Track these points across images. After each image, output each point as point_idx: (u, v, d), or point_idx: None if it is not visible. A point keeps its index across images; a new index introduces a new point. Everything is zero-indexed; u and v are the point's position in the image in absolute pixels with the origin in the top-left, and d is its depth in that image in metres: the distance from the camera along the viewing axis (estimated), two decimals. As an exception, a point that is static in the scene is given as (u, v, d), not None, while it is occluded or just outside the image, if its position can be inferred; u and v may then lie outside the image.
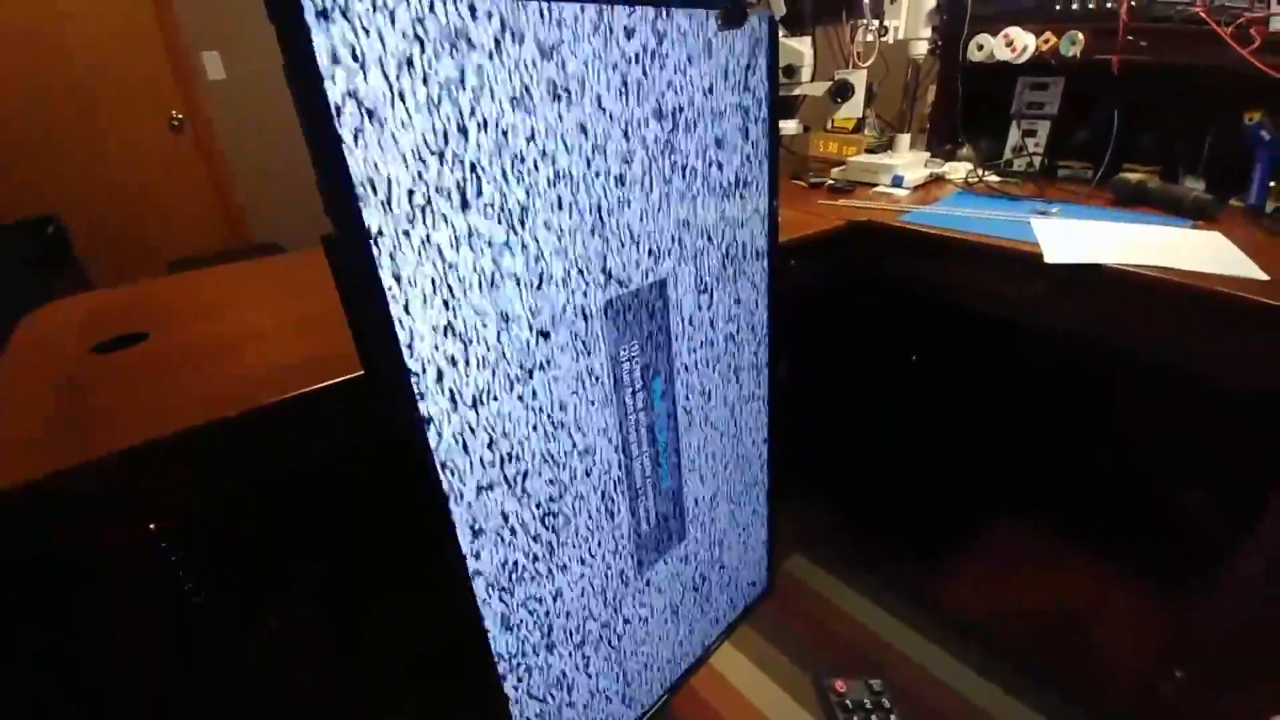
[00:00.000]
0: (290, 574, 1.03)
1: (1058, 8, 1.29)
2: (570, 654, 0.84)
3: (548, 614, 0.78)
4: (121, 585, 0.70)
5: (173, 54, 2.51)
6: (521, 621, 0.75)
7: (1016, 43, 1.31)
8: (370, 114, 0.48)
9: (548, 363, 0.67)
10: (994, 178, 1.39)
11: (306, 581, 1.05)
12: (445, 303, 0.56)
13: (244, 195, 2.81)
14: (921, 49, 1.42)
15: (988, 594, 1.33)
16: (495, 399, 0.63)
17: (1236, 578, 0.93)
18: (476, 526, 0.65)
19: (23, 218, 2.28)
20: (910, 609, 1.29)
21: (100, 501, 0.57)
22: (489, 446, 0.64)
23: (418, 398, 0.57)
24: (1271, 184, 1.10)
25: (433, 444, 0.59)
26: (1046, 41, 1.30)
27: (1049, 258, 0.94)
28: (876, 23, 1.38)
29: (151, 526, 0.80)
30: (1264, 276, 0.83)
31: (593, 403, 0.74)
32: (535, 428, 0.68)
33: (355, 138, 0.47)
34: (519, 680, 0.78)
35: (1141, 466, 1.44)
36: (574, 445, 0.73)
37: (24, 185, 2.34)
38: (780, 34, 1.04)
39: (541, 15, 0.57)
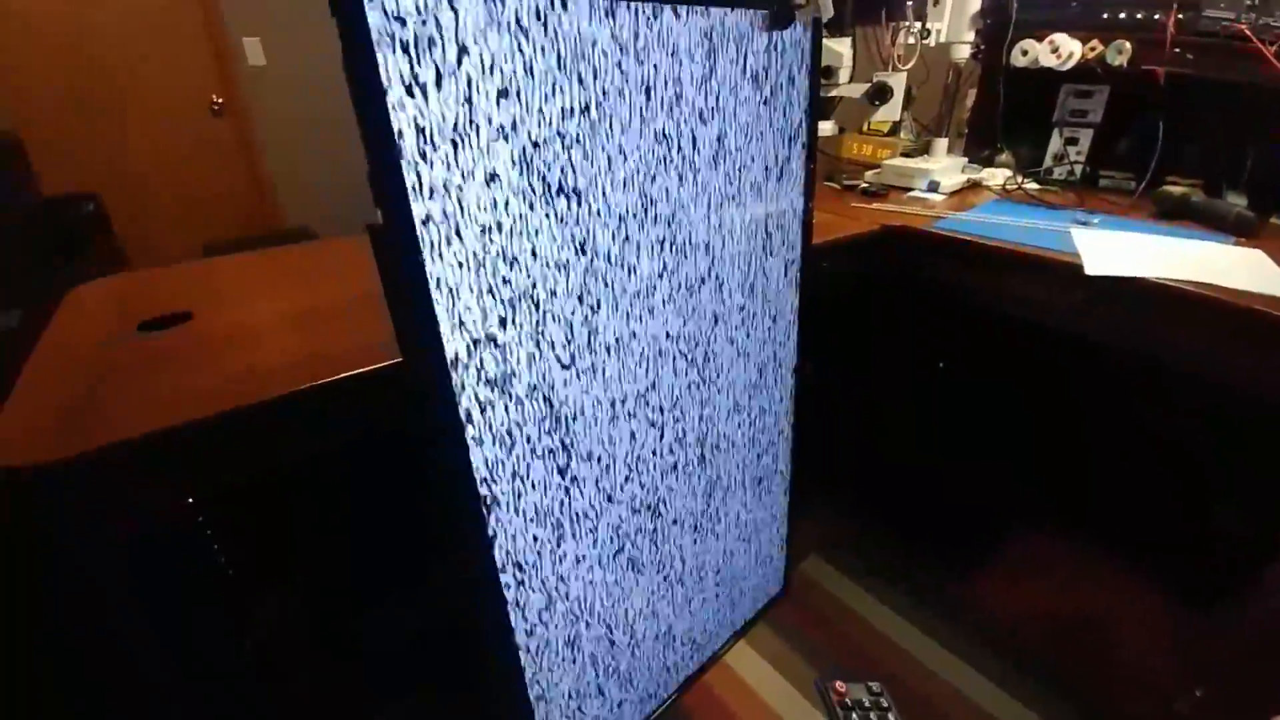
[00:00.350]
0: (286, 567, 1.05)
1: (1104, 16, 1.26)
2: (586, 645, 0.85)
3: (566, 602, 0.79)
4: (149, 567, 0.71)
5: (214, 39, 2.56)
6: (540, 610, 0.76)
7: (1062, 49, 1.29)
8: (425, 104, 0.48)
9: (593, 358, 0.68)
10: (1033, 185, 1.37)
11: (302, 575, 1.07)
12: (492, 293, 0.57)
13: (278, 180, 2.85)
14: (964, 53, 1.40)
15: (1008, 602, 1.31)
16: (537, 390, 0.64)
17: (1265, 599, 0.92)
18: (506, 521, 0.66)
19: (61, 194, 2.34)
20: (927, 614, 1.28)
21: (140, 477, 0.59)
22: (524, 440, 0.65)
23: (458, 391, 0.58)
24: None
25: (470, 436, 0.60)
26: (1092, 49, 1.27)
27: (1090, 269, 0.92)
28: (919, 25, 1.36)
29: (189, 501, 0.83)
30: (1309, 296, 0.82)
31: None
32: (572, 420, 0.69)
33: (409, 128, 0.48)
34: (536, 669, 0.79)
35: (1172, 479, 1.41)
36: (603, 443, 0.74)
37: (65, 163, 2.40)
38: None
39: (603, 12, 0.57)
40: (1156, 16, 1.18)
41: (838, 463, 1.50)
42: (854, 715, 0.34)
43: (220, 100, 2.63)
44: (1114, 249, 0.98)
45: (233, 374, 0.67)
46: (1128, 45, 1.22)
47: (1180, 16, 1.15)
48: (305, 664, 1.05)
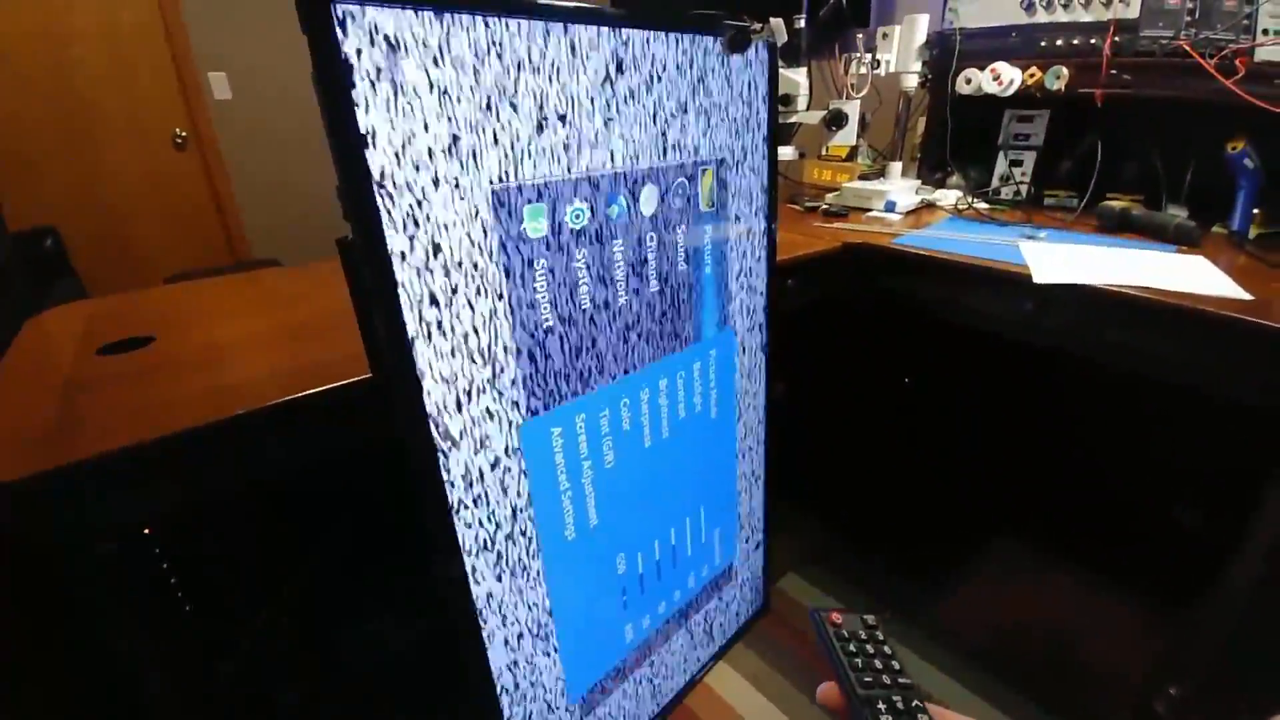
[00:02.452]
0: (268, 584, 1.03)
1: (1042, 44, 1.34)
2: (564, 669, 0.84)
3: (539, 623, 0.78)
4: (114, 590, 0.69)
5: (180, 73, 2.56)
6: (517, 634, 0.75)
7: (1003, 77, 1.36)
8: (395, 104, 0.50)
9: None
10: (983, 205, 1.43)
11: (284, 593, 1.05)
12: (469, 305, 0.58)
13: (244, 213, 2.83)
14: (912, 82, 1.47)
15: (980, 610, 1.33)
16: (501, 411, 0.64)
17: (1227, 592, 0.94)
18: (474, 536, 0.66)
19: (23, 228, 2.29)
20: (903, 626, 1.29)
21: (97, 502, 0.58)
22: (496, 451, 0.65)
23: (429, 408, 0.58)
24: (1255, 211, 1.14)
25: (440, 446, 0.60)
26: (1032, 76, 1.35)
27: (1038, 278, 0.96)
28: (869, 56, 1.43)
29: (146, 531, 0.80)
30: (1247, 296, 0.86)
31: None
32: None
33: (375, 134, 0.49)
34: (514, 692, 0.77)
35: (1132, 482, 1.45)
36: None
37: (25, 196, 2.36)
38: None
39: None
40: (1093, 41, 1.26)
41: (810, 480, 1.52)
42: (851, 645, 0.34)
43: (184, 134, 2.62)
44: (1060, 259, 1.03)
45: (189, 395, 0.66)
46: (1065, 70, 1.30)
47: (1117, 39, 1.22)
48: (288, 686, 1.02)
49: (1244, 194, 1.13)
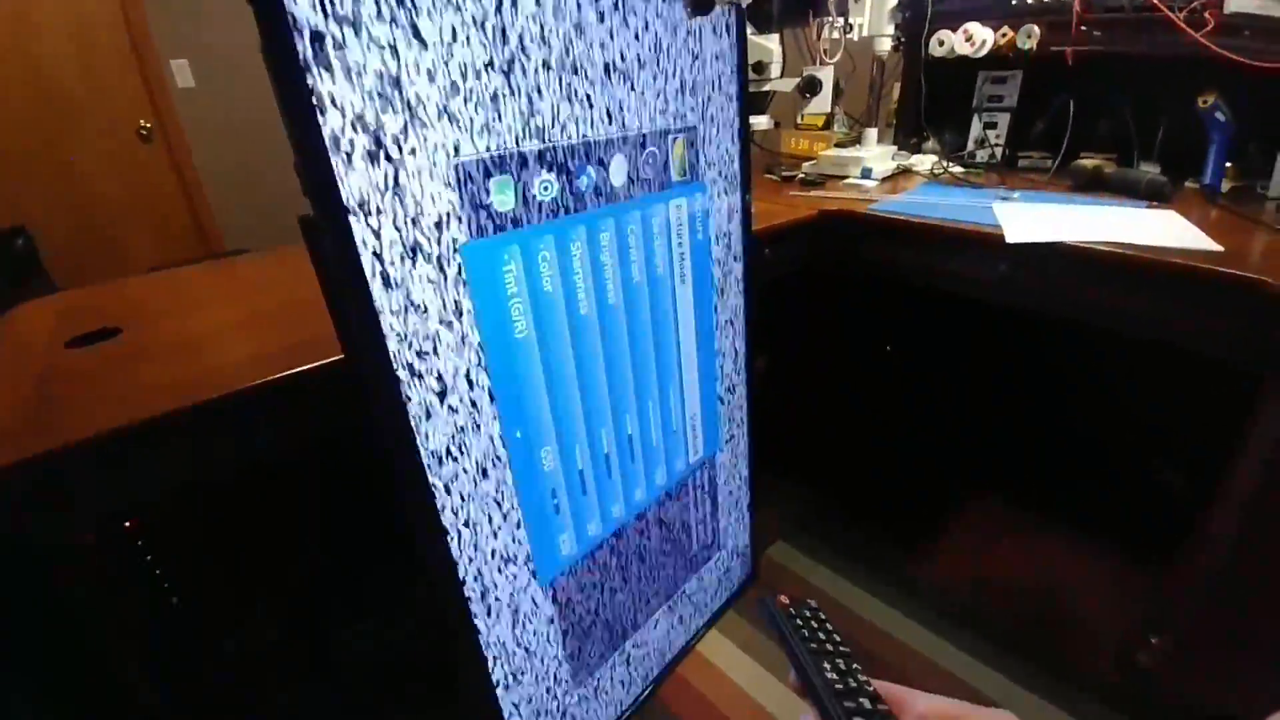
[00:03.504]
0: (260, 583, 1.02)
1: (1013, 3, 1.33)
2: (558, 641, 0.84)
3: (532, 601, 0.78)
4: (95, 583, 0.69)
5: (142, 62, 2.48)
6: (503, 608, 0.75)
7: (975, 37, 1.35)
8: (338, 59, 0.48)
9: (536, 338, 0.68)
10: (958, 169, 1.43)
11: (276, 592, 1.05)
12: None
13: (214, 204, 2.78)
14: (885, 45, 1.45)
15: (965, 571, 1.35)
16: (477, 380, 0.64)
17: (1204, 544, 0.96)
18: (457, 513, 0.66)
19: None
20: (893, 590, 1.31)
21: (71, 493, 0.57)
22: (473, 425, 0.64)
23: (400, 380, 0.57)
24: (1227, 165, 1.14)
25: (414, 425, 0.60)
26: (1004, 36, 1.34)
27: (1010, 238, 0.97)
28: (842, 20, 1.41)
29: (126, 525, 0.80)
30: (1218, 248, 0.87)
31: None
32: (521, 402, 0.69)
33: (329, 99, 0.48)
34: (504, 671, 0.78)
35: (1112, 439, 1.48)
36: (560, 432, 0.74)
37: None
38: (749, 31, 1.07)
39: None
40: (1064, -1, 1.25)
41: (796, 450, 1.53)
42: (797, 621, 0.36)
43: (149, 125, 2.56)
44: (1032, 219, 1.03)
45: (151, 384, 0.65)
46: (1036, 29, 1.29)
47: (1087, -5, 1.21)
48: (281, 684, 1.02)
49: (1216, 148, 1.14)
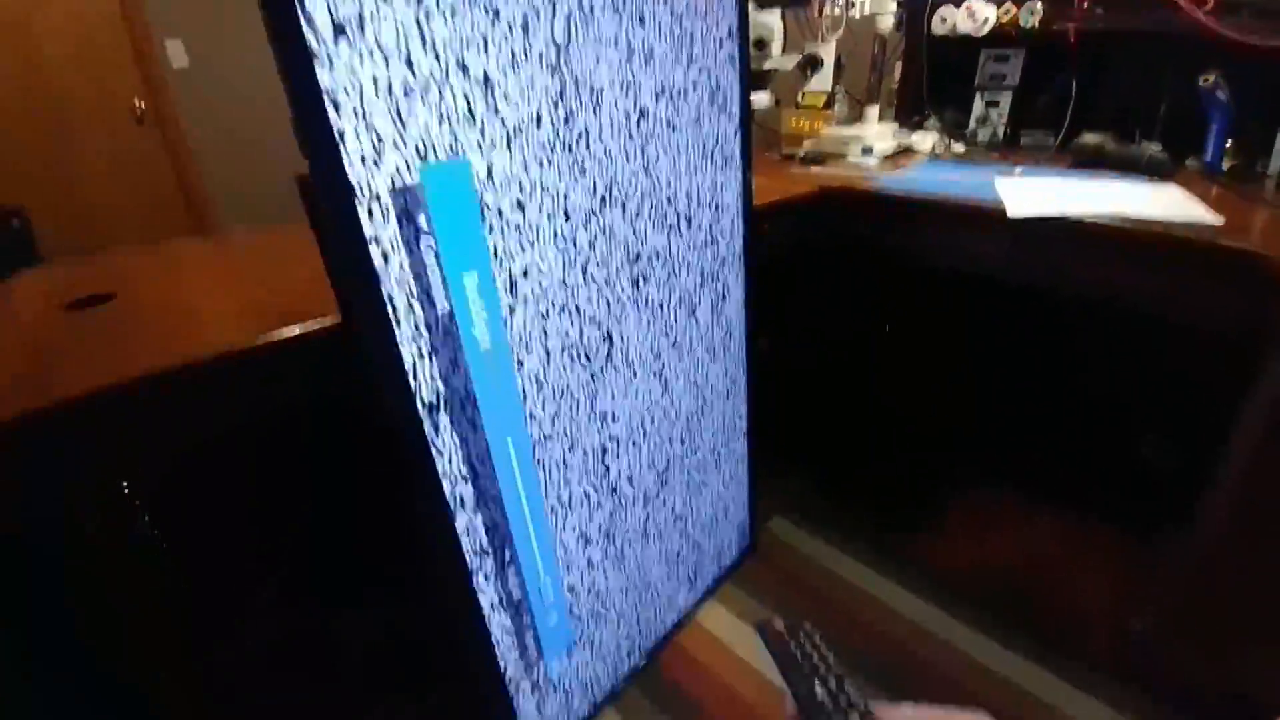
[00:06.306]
0: (258, 567, 1.02)
1: (1017, -22, 1.32)
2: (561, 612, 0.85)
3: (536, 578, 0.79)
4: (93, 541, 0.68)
5: (136, 42, 2.46)
6: (510, 589, 0.76)
7: (978, 14, 1.34)
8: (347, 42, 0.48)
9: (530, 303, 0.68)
10: (960, 147, 1.42)
11: (274, 577, 1.04)
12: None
13: (209, 185, 2.76)
14: (887, 23, 1.44)
15: (963, 548, 1.36)
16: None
17: (1200, 523, 0.97)
18: (456, 492, 0.66)
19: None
20: (891, 565, 1.31)
21: (71, 451, 0.57)
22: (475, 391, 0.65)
23: (399, 342, 0.57)
24: (1227, 143, 1.14)
25: (413, 386, 0.60)
26: (1007, 13, 1.33)
27: (1012, 212, 0.97)
28: (843, -3, 1.40)
29: (124, 485, 0.80)
30: (1218, 221, 0.87)
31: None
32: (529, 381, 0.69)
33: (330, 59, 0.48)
34: (508, 644, 0.78)
35: (1109, 418, 1.48)
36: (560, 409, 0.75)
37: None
38: (750, 7, 1.06)
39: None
40: (1068, -25, 1.24)
41: (796, 428, 1.54)
42: (792, 645, 0.37)
43: (143, 106, 2.54)
44: (1034, 194, 1.03)
45: (146, 344, 0.65)
46: (1040, 7, 1.28)
47: (1091, -29, 1.20)
48: (284, 670, 1.02)
49: (1216, 127, 1.14)
